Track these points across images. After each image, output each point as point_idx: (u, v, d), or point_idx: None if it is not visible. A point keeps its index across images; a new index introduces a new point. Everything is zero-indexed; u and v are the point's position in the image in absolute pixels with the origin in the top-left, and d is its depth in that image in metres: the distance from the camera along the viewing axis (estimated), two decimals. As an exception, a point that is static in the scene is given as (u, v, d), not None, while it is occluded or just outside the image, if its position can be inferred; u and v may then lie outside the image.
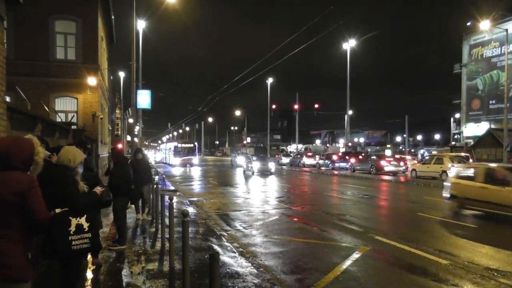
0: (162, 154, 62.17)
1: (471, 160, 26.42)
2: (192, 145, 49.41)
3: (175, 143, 50.16)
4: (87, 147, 8.29)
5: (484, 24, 29.00)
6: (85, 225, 3.49)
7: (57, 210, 3.39)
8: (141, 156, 10.77)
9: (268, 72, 57.53)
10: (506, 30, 30.88)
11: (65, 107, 21.17)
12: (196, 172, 36.00)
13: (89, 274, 5.79)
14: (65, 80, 20.62)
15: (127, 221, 7.95)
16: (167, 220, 7.21)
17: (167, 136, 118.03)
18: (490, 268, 6.54)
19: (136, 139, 22.27)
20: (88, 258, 6.03)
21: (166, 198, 7.93)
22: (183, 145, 48.74)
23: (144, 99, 20.99)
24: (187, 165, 44.36)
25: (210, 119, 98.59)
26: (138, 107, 21.14)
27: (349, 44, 37.71)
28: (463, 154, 29.07)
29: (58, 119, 17.99)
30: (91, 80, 20.57)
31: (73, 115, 20.63)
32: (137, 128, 23.79)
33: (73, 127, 16.72)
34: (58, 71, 20.46)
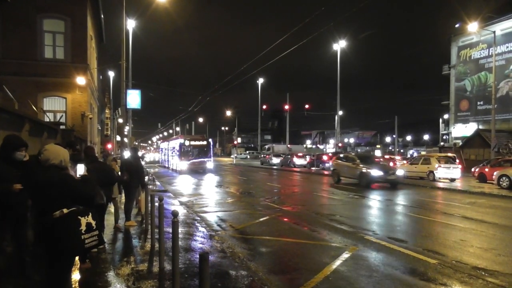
0: (163, 155, 45.14)
1: (457, 161, 26.69)
2: (205, 142, 33.70)
3: (181, 140, 33.92)
4: (76, 147, 8.21)
5: (472, 26, 29.38)
6: (93, 223, 3.58)
7: (65, 210, 3.41)
8: (140, 155, 10.68)
9: (259, 72, 57.56)
10: (494, 32, 31.34)
11: (53, 106, 20.95)
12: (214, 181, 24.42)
13: (77, 276, 5.73)
14: (53, 79, 20.42)
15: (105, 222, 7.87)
16: (157, 221, 7.16)
17: (157, 136, 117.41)
18: (478, 267, 6.62)
19: (126, 139, 22.08)
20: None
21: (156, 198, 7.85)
22: (193, 142, 33.29)
23: (134, 99, 20.86)
24: (199, 171, 31.71)
25: (200, 119, 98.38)
26: (128, 107, 21.00)
27: (340, 45, 37.91)
28: (450, 154, 29.39)
29: (46, 119, 17.80)
30: (80, 80, 20.39)
31: (62, 115, 20.43)
32: (126, 128, 23.62)
33: (62, 127, 16.54)
34: (47, 70, 20.24)
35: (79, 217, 3.50)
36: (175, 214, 5.14)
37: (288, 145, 57.25)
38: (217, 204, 14.33)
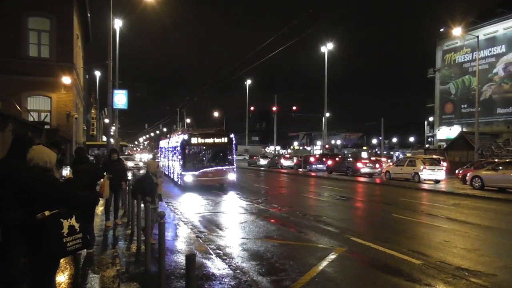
0: (163, 158, 29.37)
1: (442, 163, 27.10)
2: (223, 138, 19.94)
3: (184, 136, 19.45)
4: (61, 147, 8.12)
5: (456, 31, 29.87)
6: (76, 226, 3.50)
7: (47, 213, 3.34)
8: (116, 157, 10.12)
9: (247, 73, 57.69)
10: (477, 36, 31.92)
11: (38, 106, 20.65)
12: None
13: (62, 278, 5.66)
14: (38, 78, 20.11)
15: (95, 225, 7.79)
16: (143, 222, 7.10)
17: (144, 137, 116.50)
18: (461, 267, 6.72)
19: (112, 140, 21.87)
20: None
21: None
22: (203, 139, 19.58)
23: (120, 99, 20.67)
24: (215, 185, 19.60)
25: (188, 120, 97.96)
26: (114, 107, 20.79)
27: (327, 48, 38.18)
28: (435, 156, 29.81)
29: (31, 119, 17.53)
30: (66, 79, 20.14)
31: (47, 115, 20.14)
32: (113, 129, 23.37)
33: (47, 127, 16.30)
34: (31, 69, 19.93)
35: (62, 219, 3.43)
36: (161, 216, 5.11)
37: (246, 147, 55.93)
38: (203, 205, 14.27)
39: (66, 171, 9.62)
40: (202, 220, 11.25)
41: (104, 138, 53.36)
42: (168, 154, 25.10)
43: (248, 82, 55.83)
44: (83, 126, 36.23)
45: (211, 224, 10.65)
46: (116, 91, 20.77)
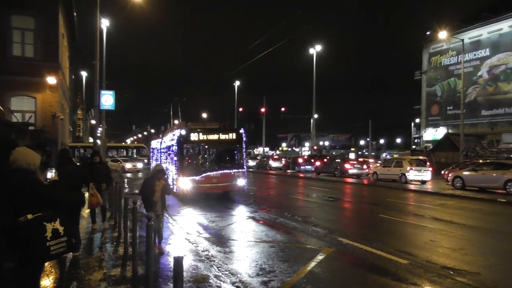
0: (155, 161, 23.68)
1: (428, 163, 27.44)
2: (231, 134, 15.97)
3: (181, 131, 15.26)
4: (46, 149, 8.00)
5: (442, 34, 30.33)
6: (61, 229, 3.42)
7: (29, 216, 3.27)
8: (98, 159, 9.69)
9: (236, 74, 57.55)
10: (462, 40, 32.43)
11: (22, 106, 20.33)
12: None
13: (47, 282, 5.57)
14: (22, 78, 19.78)
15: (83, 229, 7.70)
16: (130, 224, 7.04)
17: (132, 138, 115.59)
18: (446, 267, 6.81)
19: (98, 141, 21.64)
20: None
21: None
22: (206, 135, 15.55)
23: (107, 99, 20.49)
24: (219, 193, 16.46)
25: (176, 122, 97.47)
26: (101, 108, 20.60)
27: (315, 50, 38.40)
28: (421, 157, 30.16)
29: (14, 120, 17.26)
30: (51, 79, 19.87)
31: (31, 116, 19.86)
32: (99, 130, 23.15)
33: (31, 128, 16.07)
34: (15, 69, 19.59)
35: (45, 223, 3.36)
36: (149, 217, 5.08)
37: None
38: (194, 207, 14.20)
39: (51, 173, 9.50)
40: (189, 220, 11.20)
41: (91, 139, 52.85)
42: (161, 156, 20.43)
43: (237, 83, 55.78)
44: (69, 127, 35.83)
45: (198, 224, 10.60)
46: (103, 92, 20.59)
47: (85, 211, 10.98)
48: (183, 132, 15.05)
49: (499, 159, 24.29)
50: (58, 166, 7.56)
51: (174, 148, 15.56)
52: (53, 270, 6.10)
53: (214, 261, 6.93)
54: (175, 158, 15.43)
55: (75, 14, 25.96)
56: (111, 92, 20.88)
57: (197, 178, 14.75)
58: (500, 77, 37.20)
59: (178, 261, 3.16)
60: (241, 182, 15.42)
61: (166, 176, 7.65)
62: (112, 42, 34.40)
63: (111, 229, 9.47)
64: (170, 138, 16.79)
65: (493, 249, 8.45)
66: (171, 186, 14.51)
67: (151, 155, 28.01)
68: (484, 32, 38.85)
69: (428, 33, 40.10)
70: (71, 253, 6.69)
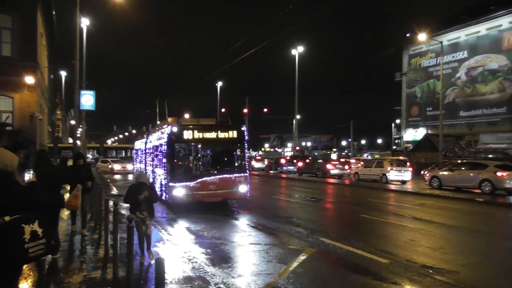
0: (139, 163, 21.75)
1: (408, 164, 27.91)
2: (231, 132, 13.52)
3: (173, 128, 12.89)
4: (24, 149, 7.83)
5: (421, 36, 30.92)
6: (39, 231, 3.35)
7: (7, 218, 3.19)
8: (82, 162, 9.26)
9: (219, 75, 57.46)
10: (441, 42, 33.10)
11: (-1, 106, 19.83)
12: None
13: (25, 285, 5.45)
14: (-1, 77, 19.31)
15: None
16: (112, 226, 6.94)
17: (113, 139, 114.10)
18: (426, 265, 6.93)
19: (78, 142, 21.28)
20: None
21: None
22: (201, 132, 13.08)
23: (88, 99, 20.16)
24: (217, 203, 13.57)
25: (158, 122, 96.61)
26: (81, 108, 20.26)
27: (298, 50, 38.61)
28: (401, 157, 30.64)
29: (-9, 120, 16.82)
30: (29, 79, 19.43)
31: (8, 116, 19.39)
32: (79, 130, 22.76)
33: (8, 128, 15.69)
34: (-8, 68, 19.12)
35: (23, 225, 3.29)
36: (130, 219, 5.02)
37: None
38: (174, 208, 14.08)
39: (29, 175, 9.28)
40: (171, 224, 11.11)
41: (71, 140, 51.94)
42: (146, 158, 18.28)
43: (219, 84, 55.64)
44: (48, 128, 35.13)
45: (180, 226, 10.53)
46: (83, 92, 20.25)
47: (65, 213, 10.78)
48: (175, 129, 12.74)
49: (476, 159, 24.91)
50: (36, 167, 7.40)
51: (163, 148, 13.31)
52: (31, 273, 5.97)
53: (196, 261, 6.89)
54: (164, 161, 13.29)
55: (54, 12, 25.47)
56: (91, 92, 20.56)
57: (192, 184, 12.56)
58: (477, 79, 38.09)
59: (160, 262, 3.13)
60: (243, 188, 13.35)
61: (152, 183, 7.43)
62: (92, 42, 33.92)
63: (91, 231, 9.32)
64: (158, 137, 14.67)
65: (472, 248, 8.64)
66: (160, 193, 13.19)
67: (134, 157, 25.83)
68: (462, 35, 39.72)
69: (408, 35, 40.82)
70: (49, 256, 6.57)
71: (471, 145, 36.62)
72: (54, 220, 6.85)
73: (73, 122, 43.89)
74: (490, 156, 28.94)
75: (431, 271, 6.62)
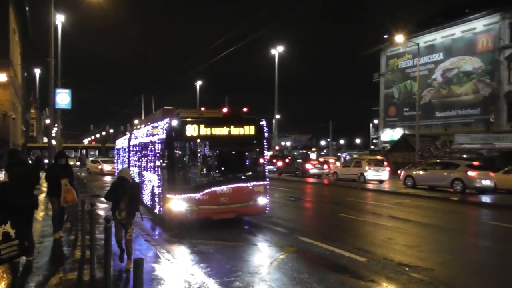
0: (120, 164, 19.17)
1: (385, 163, 28.40)
2: (251, 128, 10.39)
3: (173, 121, 9.74)
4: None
5: (399, 38, 31.48)
6: (12, 232, 3.28)
7: None
8: (64, 162, 8.66)
9: (198, 74, 57.05)
10: (418, 44, 33.77)
11: (-30, 105, 19.23)
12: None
13: (-3, 288, 5.29)
14: (-30, 75, 18.72)
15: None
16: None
17: (89, 139, 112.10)
18: (402, 263, 7.07)
19: (53, 141, 20.82)
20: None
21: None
22: (215, 129, 10.04)
23: (63, 98, 19.74)
24: (235, 216, 10.28)
25: (136, 121, 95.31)
26: (56, 107, 19.82)
27: (277, 50, 38.73)
28: (379, 157, 31.10)
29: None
30: (1, 76, 18.95)
31: (-20, 114, 18.81)
32: (55, 130, 22.26)
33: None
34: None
35: None
36: (107, 219, 4.95)
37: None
38: (169, 226, 13.94)
39: (1, 175, 9.02)
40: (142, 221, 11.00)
41: (46, 140, 50.71)
42: (130, 158, 15.48)
43: (199, 83, 55.29)
44: (22, 127, 34.23)
45: (156, 225, 10.43)
46: (58, 90, 19.82)
47: (39, 214, 10.53)
48: (175, 123, 9.67)
49: (451, 159, 25.53)
50: (8, 167, 7.18)
51: (158, 147, 10.72)
52: (4, 275, 5.80)
53: (175, 261, 6.84)
54: (159, 164, 10.60)
55: (27, 8, 24.82)
56: (67, 91, 20.15)
57: (197, 196, 9.52)
58: (453, 80, 39.01)
59: (138, 263, 3.09)
60: (262, 200, 10.26)
61: (137, 183, 7.08)
62: (68, 39, 33.20)
63: (68, 232, 9.13)
64: (149, 133, 11.92)
65: (447, 246, 8.86)
66: (150, 207, 11.26)
67: (116, 157, 23.25)
68: (438, 37, 40.58)
69: (385, 36, 41.39)
70: (24, 257, 6.40)
71: (446, 145, 37.47)
72: (28, 221, 6.68)
73: (48, 121, 42.85)
74: (465, 156, 29.72)
75: (407, 268, 6.76)
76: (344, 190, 21.87)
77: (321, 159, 37.47)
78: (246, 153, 11.46)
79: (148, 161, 12.03)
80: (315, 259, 7.45)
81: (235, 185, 9.92)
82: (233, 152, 11.49)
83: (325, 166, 31.92)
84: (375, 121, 56.71)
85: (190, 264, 6.93)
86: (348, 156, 52.41)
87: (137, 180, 13.48)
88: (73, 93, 20.55)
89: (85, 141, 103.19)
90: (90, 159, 40.31)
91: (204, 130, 9.86)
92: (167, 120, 9.86)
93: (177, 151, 10.32)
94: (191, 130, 9.72)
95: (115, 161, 23.64)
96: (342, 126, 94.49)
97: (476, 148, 32.97)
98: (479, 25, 36.14)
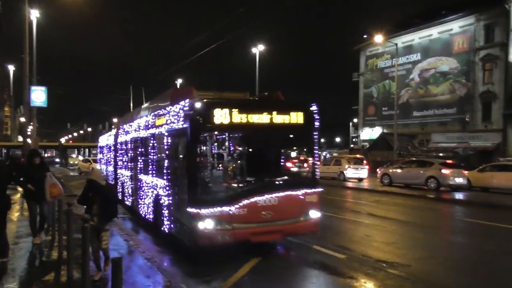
0: (106, 166, 16.37)
1: (365, 162, 28.78)
2: (299, 115, 7.53)
3: (197, 104, 6.78)
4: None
5: (378, 38, 31.95)
6: None
7: None
8: (38, 161, 8.09)
9: (177, 72, 56.52)
10: (396, 44, 34.35)
11: None
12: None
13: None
14: None
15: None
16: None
17: (66, 137, 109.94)
18: (380, 260, 7.19)
19: (29, 140, 20.31)
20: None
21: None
22: (252, 117, 7.10)
23: (39, 96, 19.26)
24: (282, 237, 7.79)
25: (115, 120, 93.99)
26: (32, 104, 19.32)
27: (258, 49, 38.73)
28: (358, 156, 31.50)
29: None
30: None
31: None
32: (30, 128, 21.72)
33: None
34: None
35: None
36: (84, 219, 4.88)
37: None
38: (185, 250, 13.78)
39: None
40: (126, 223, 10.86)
41: (21, 138, 49.46)
42: (121, 159, 13.22)
43: (179, 81, 54.82)
44: (-4, 125, 33.29)
45: (165, 252, 10.32)
46: (33, 88, 19.31)
47: (14, 214, 10.28)
48: (200, 106, 6.83)
49: (428, 157, 26.06)
50: None
51: (168, 143, 7.90)
52: (-23, 279, 5.65)
53: (154, 262, 6.78)
54: (173, 166, 7.82)
55: (0, 3, 24.12)
56: (43, 88, 19.65)
57: (232, 210, 6.78)
58: (430, 81, 39.77)
59: (117, 263, 3.06)
60: (314, 214, 7.61)
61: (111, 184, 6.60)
62: (45, 35, 32.40)
63: (44, 232, 8.93)
64: (151, 124, 9.27)
65: (423, 243, 9.05)
66: (165, 224, 7.90)
67: (98, 157, 20.85)
68: (416, 38, 41.30)
69: (365, 36, 41.90)
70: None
71: (424, 144, 38.23)
72: (1, 222, 6.51)
73: (23, 119, 41.70)
74: (441, 154, 30.40)
75: (385, 265, 6.88)
76: (324, 188, 22.02)
77: (301, 158, 37.71)
78: (291, 150, 8.90)
79: (149, 161, 9.38)
80: (295, 256, 7.53)
81: (282, 194, 7.13)
82: (277, 146, 9.07)
83: (305, 165, 32.06)
84: (355, 120, 57.38)
85: None
86: (328, 155, 52.92)
87: (130, 186, 11.51)
88: (49, 91, 20.08)
89: (62, 140, 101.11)
90: (81, 158, 39.55)
91: (241, 117, 7.01)
92: (185, 103, 7.01)
93: (201, 147, 8.06)
94: (222, 116, 6.85)
95: (98, 161, 20.85)
96: (322, 125, 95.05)
97: (452, 147, 33.75)
98: (455, 27, 36.97)
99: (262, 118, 7.17)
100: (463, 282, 6.38)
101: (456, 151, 32.32)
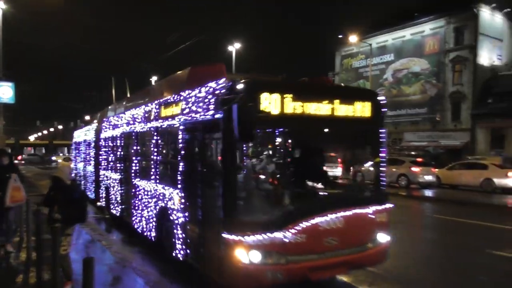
0: (80, 168, 15.56)
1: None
2: (364, 106, 5.56)
3: (248, 84, 4.68)
4: None
5: (352, 38, 32.45)
6: None
7: None
8: (6, 161, 7.49)
9: (152, 70, 55.70)
10: (370, 44, 34.98)
11: None
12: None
13: None
14: None
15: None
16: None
17: (36, 135, 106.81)
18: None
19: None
20: None
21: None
22: (313, 107, 5.08)
23: (6, 92, 18.56)
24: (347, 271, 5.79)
25: (87, 117, 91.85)
26: (-2, 101, 18.61)
27: (235, 47, 38.69)
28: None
29: None
30: None
31: None
32: (-3, 125, 20.91)
33: None
34: None
35: None
36: (56, 220, 4.72)
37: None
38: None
39: None
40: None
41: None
42: (106, 159, 11.26)
43: (154, 78, 54.07)
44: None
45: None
46: (0, 83, 18.61)
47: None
48: (245, 87, 4.69)
49: (400, 155, 26.65)
50: None
51: (187, 138, 5.98)
52: None
53: (130, 263, 6.65)
54: (202, 169, 5.67)
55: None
56: (10, 84, 18.94)
57: (286, 236, 4.79)
58: (402, 81, 40.65)
59: (88, 263, 2.96)
60: (383, 238, 5.77)
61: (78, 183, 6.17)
62: (12, 28, 31.27)
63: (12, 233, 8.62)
64: (156, 115, 7.30)
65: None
66: (178, 249, 5.97)
67: (74, 155, 18.57)
68: (389, 38, 42.11)
69: (340, 36, 42.37)
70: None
71: (396, 142, 39.05)
72: None
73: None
74: (413, 153, 31.13)
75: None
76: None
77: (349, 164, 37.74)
78: (364, 151, 6.90)
79: (151, 162, 7.39)
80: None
81: (348, 213, 5.24)
82: (335, 149, 7.08)
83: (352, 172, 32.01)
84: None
85: None
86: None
87: (119, 192, 9.69)
88: (17, 87, 19.37)
89: (31, 138, 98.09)
90: (62, 156, 38.21)
91: (301, 107, 5.07)
92: (219, 83, 5.13)
93: (243, 146, 6.18)
94: (278, 104, 4.88)
95: (73, 159, 18.50)
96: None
97: (423, 146, 34.64)
98: (427, 29, 37.92)
99: (329, 110, 5.26)
100: (433, 276, 6.53)
101: (427, 149, 33.18)
